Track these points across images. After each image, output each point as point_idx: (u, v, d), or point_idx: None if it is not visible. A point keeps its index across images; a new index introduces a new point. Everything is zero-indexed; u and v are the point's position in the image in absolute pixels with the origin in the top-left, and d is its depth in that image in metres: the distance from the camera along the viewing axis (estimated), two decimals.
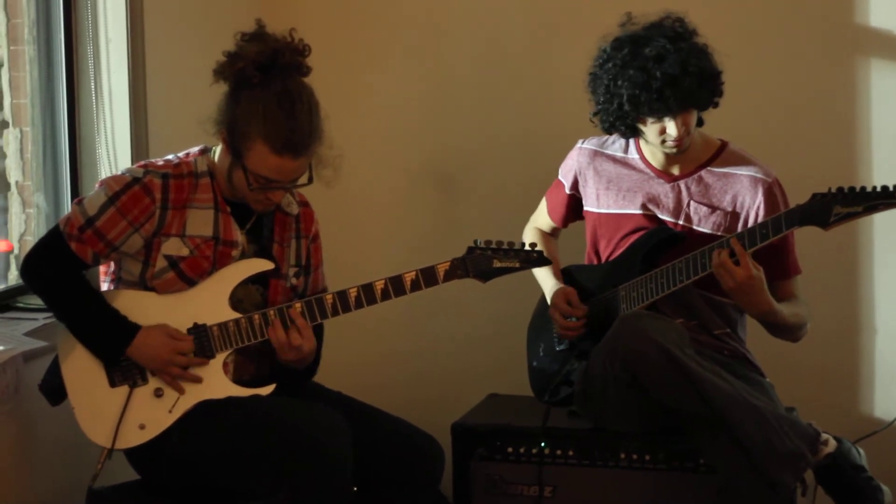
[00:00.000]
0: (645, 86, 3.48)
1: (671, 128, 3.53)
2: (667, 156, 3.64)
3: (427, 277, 3.29)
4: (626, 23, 3.60)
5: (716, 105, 3.59)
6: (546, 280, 3.83)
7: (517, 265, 3.34)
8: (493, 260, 3.32)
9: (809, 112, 4.23)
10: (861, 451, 3.51)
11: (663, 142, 3.57)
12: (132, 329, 3.19)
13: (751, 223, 3.58)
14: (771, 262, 3.53)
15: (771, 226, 3.39)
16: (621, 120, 3.58)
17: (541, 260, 3.36)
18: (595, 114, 3.65)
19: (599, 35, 3.63)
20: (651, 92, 3.47)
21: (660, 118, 3.52)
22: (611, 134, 3.70)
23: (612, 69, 3.56)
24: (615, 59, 3.55)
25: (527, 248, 3.35)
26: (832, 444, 3.43)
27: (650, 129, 3.57)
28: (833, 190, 3.32)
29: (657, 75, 3.46)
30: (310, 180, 3.25)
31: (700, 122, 3.63)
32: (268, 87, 3.14)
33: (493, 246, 3.33)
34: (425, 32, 4.48)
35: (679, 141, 3.55)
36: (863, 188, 3.30)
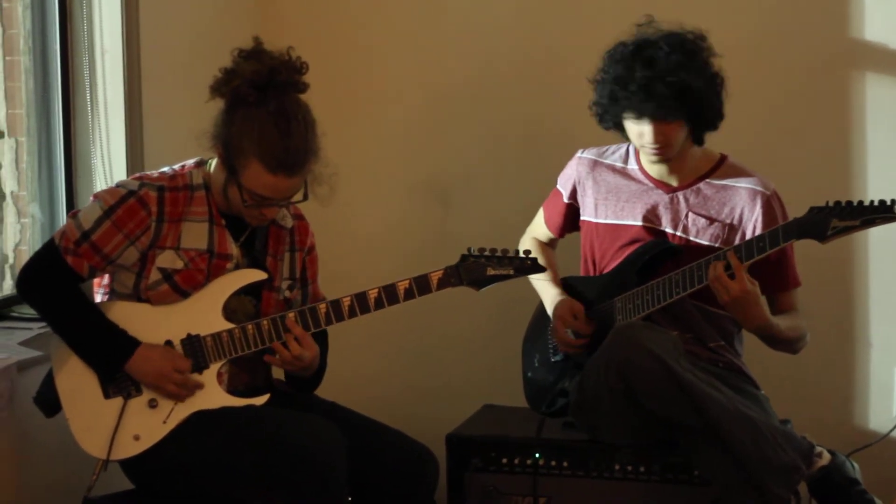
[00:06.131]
0: (624, 84, 3.51)
1: (647, 133, 3.53)
2: (665, 166, 3.65)
3: (420, 286, 3.28)
4: (644, 24, 3.60)
5: (706, 126, 3.57)
6: (547, 290, 3.82)
7: (511, 273, 3.33)
8: (486, 268, 3.31)
9: (804, 125, 4.22)
10: (855, 464, 3.51)
11: (643, 146, 3.58)
12: (132, 344, 3.19)
13: (749, 235, 3.57)
14: (771, 274, 3.53)
15: (768, 239, 3.39)
16: (608, 113, 3.60)
17: (535, 267, 3.35)
18: (592, 104, 3.66)
19: (596, 50, 3.64)
20: (626, 91, 3.50)
21: (635, 119, 3.53)
22: (603, 125, 3.68)
23: (609, 63, 3.58)
24: (617, 54, 3.57)
25: (521, 255, 3.34)
26: (826, 456, 3.43)
27: (630, 129, 3.58)
28: (830, 203, 3.33)
29: (636, 76, 3.48)
30: (305, 197, 3.24)
31: (700, 142, 3.62)
32: (263, 106, 3.13)
33: (487, 253, 3.32)
34: (423, 45, 4.48)
35: (660, 150, 3.55)
36: (860, 202, 3.29)
